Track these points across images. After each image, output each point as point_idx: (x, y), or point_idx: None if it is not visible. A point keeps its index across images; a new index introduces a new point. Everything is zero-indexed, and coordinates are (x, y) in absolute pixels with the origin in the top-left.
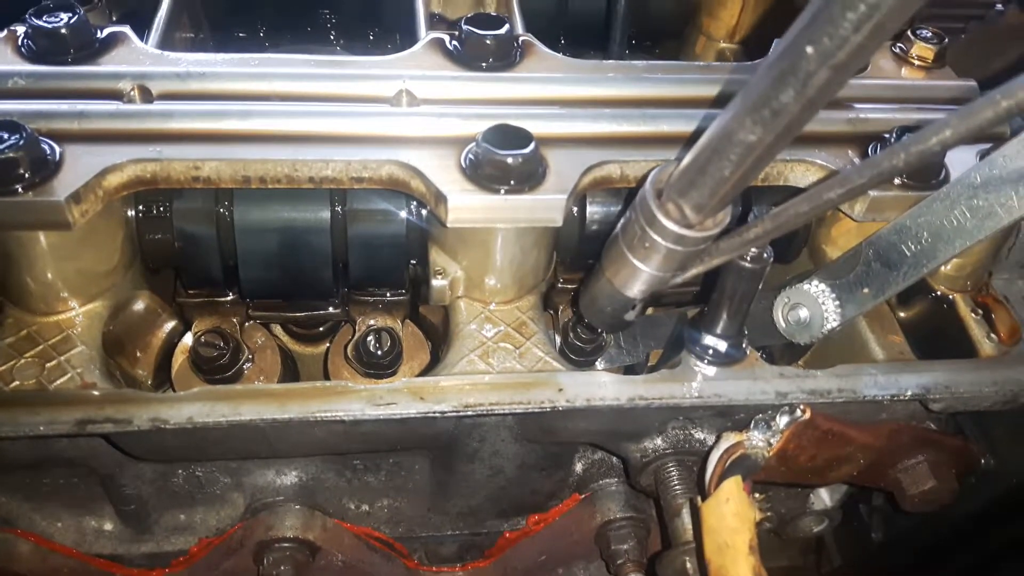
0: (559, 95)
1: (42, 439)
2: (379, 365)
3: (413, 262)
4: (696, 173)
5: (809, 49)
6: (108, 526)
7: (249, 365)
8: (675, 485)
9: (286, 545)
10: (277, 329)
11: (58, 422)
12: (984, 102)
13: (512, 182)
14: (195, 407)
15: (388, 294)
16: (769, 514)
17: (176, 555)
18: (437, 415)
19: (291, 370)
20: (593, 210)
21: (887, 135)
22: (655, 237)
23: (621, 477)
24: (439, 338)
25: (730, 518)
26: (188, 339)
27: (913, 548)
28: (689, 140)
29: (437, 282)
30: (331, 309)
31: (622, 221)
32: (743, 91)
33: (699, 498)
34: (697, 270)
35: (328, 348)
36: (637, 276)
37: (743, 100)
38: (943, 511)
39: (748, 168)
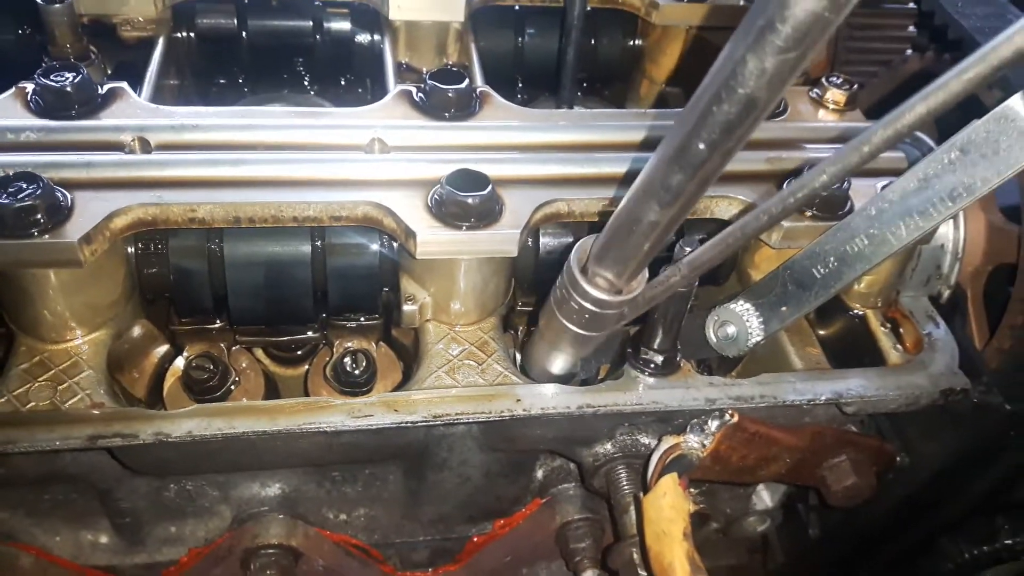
0: (513, 141)
1: (50, 456)
2: (355, 383)
3: (386, 289)
4: (612, 248)
5: (698, 142)
6: (104, 539)
7: (235, 387)
8: (624, 485)
9: (271, 552)
10: (260, 353)
11: (72, 437)
12: (858, 140)
13: (472, 219)
14: (194, 422)
15: (363, 319)
16: (702, 505)
17: (167, 565)
18: (409, 425)
19: (273, 390)
20: (546, 240)
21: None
22: (583, 303)
23: (577, 481)
24: (410, 357)
25: (667, 510)
26: (179, 362)
27: (845, 541)
28: (612, 182)
29: (408, 307)
30: (311, 333)
31: (554, 288)
32: (644, 174)
33: (642, 493)
34: (626, 320)
35: (308, 370)
36: (571, 337)
37: (644, 184)
38: (867, 506)
39: (656, 240)
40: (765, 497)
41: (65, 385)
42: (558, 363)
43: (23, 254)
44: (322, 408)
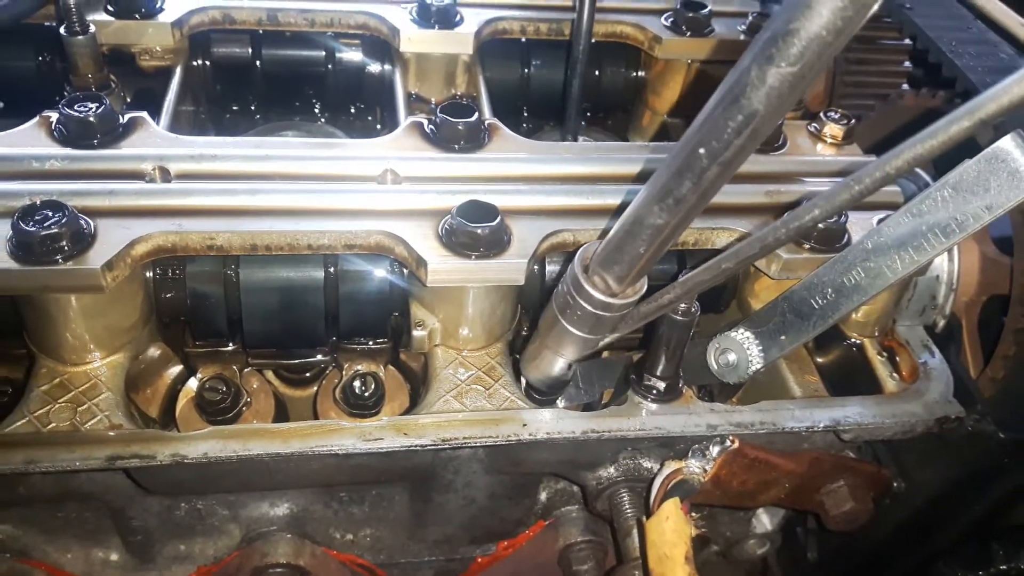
0: (521, 173)
1: (67, 475)
2: (364, 406)
3: (395, 314)
4: (615, 251)
5: (701, 150)
6: (114, 556)
7: (246, 408)
8: (626, 508)
9: (279, 570)
10: (270, 374)
11: (92, 458)
12: (852, 179)
13: (481, 249)
14: (209, 444)
15: (372, 342)
16: (703, 530)
17: None
18: (418, 448)
19: (283, 412)
20: (551, 269)
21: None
22: (583, 304)
23: (580, 504)
24: (418, 381)
25: (669, 533)
26: (192, 383)
27: (843, 566)
28: (616, 212)
29: (417, 332)
30: (321, 356)
31: (555, 293)
32: (651, 181)
33: (644, 517)
34: (623, 331)
35: (317, 391)
36: (570, 340)
37: (650, 189)
38: (865, 531)
39: (658, 246)
40: (765, 521)
41: (84, 407)
42: (554, 365)
43: (48, 280)
44: (333, 431)
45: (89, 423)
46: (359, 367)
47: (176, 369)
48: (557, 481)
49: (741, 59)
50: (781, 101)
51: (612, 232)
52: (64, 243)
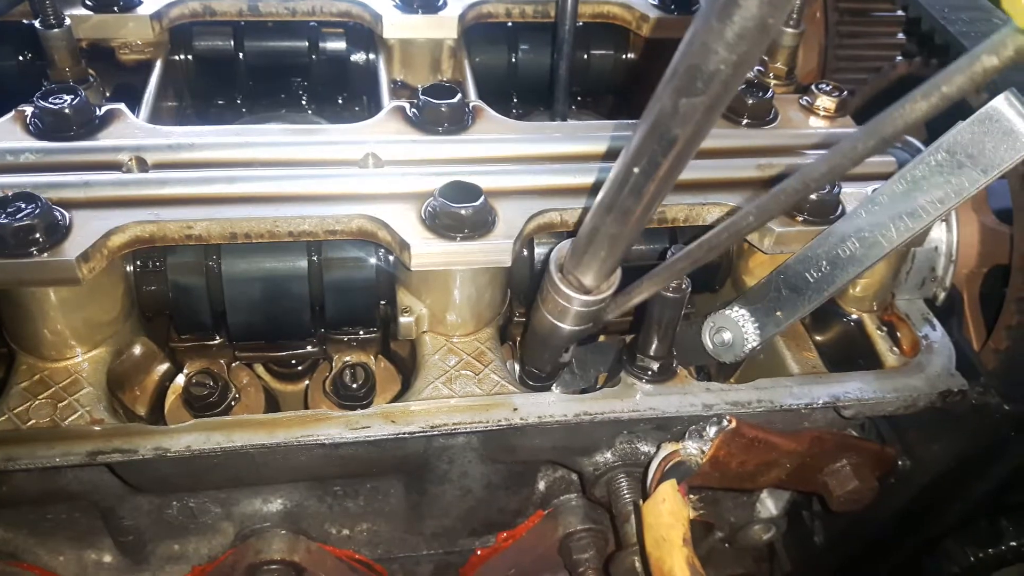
0: (506, 154)
1: (51, 473)
2: (355, 397)
3: (383, 303)
4: (582, 253)
5: (635, 169)
6: (107, 558)
7: (235, 403)
8: (624, 494)
9: (274, 567)
10: (260, 369)
11: (72, 454)
12: (842, 147)
13: (466, 230)
14: (192, 437)
15: (361, 332)
16: (702, 511)
17: None
18: (407, 436)
19: (273, 407)
20: (541, 251)
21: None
22: (562, 302)
23: (579, 492)
24: (409, 370)
25: (666, 516)
26: (180, 380)
27: (850, 547)
28: (590, 193)
29: (404, 319)
30: (310, 348)
31: (539, 289)
32: (601, 192)
33: (642, 501)
34: (610, 316)
35: (307, 385)
36: (558, 331)
37: (600, 200)
38: (870, 511)
39: (620, 248)
40: (769, 505)
41: (65, 403)
42: (547, 352)
43: (22, 273)
44: (319, 420)
45: (70, 419)
46: (349, 358)
47: (163, 367)
48: (555, 469)
49: (659, 88)
50: (697, 127)
51: (577, 237)
52: (38, 235)
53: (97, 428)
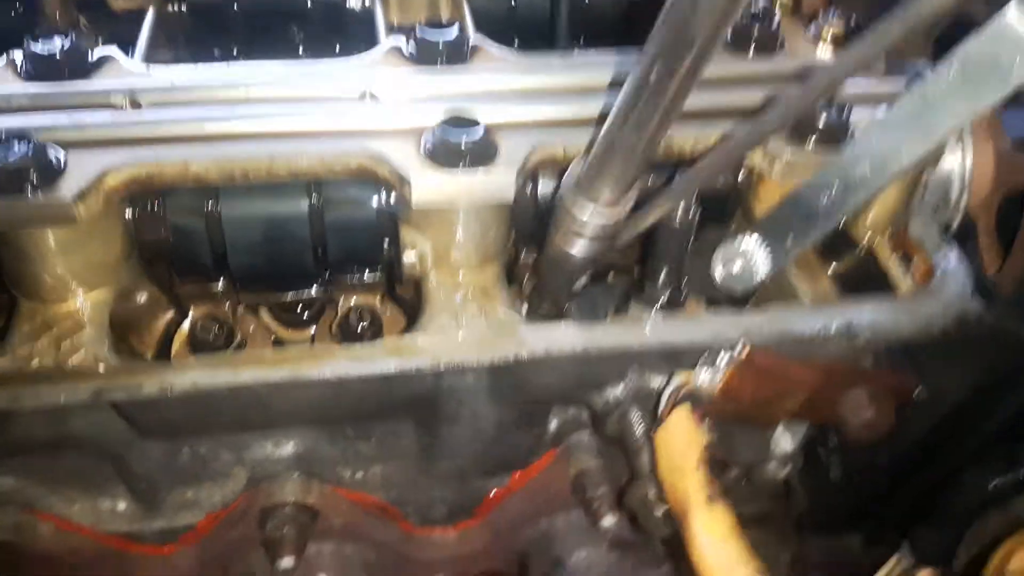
0: (506, 87)
1: (59, 418)
2: (361, 340)
3: (387, 242)
4: (596, 172)
5: (652, 77)
6: (121, 506)
7: (242, 350)
8: (636, 428)
9: (287, 510)
10: (266, 317)
11: (77, 392)
12: (839, 57)
13: (467, 163)
14: (198, 373)
15: (366, 274)
16: (716, 436)
17: (185, 530)
18: (412, 371)
19: None
20: (545, 189)
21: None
22: (576, 224)
23: (591, 429)
24: (415, 311)
25: (679, 442)
26: (185, 326)
27: (868, 481)
28: (596, 123)
29: (408, 257)
30: (314, 291)
31: (552, 214)
32: (616, 104)
33: (653, 431)
34: (622, 241)
35: (314, 332)
36: (571, 256)
37: (616, 112)
38: (888, 443)
39: (635, 164)
40: (784, 442)
41: (68, 343)
42: (558, 288)
43: (17, 213)
44: (325, 356)
45: (74, 358)
46: (354, 301)
47: (168, 313)
48: (566, 408)
49: None
50: (716, 23)
51: (591, 154)
52: (31, 174)
53: (100, 367)
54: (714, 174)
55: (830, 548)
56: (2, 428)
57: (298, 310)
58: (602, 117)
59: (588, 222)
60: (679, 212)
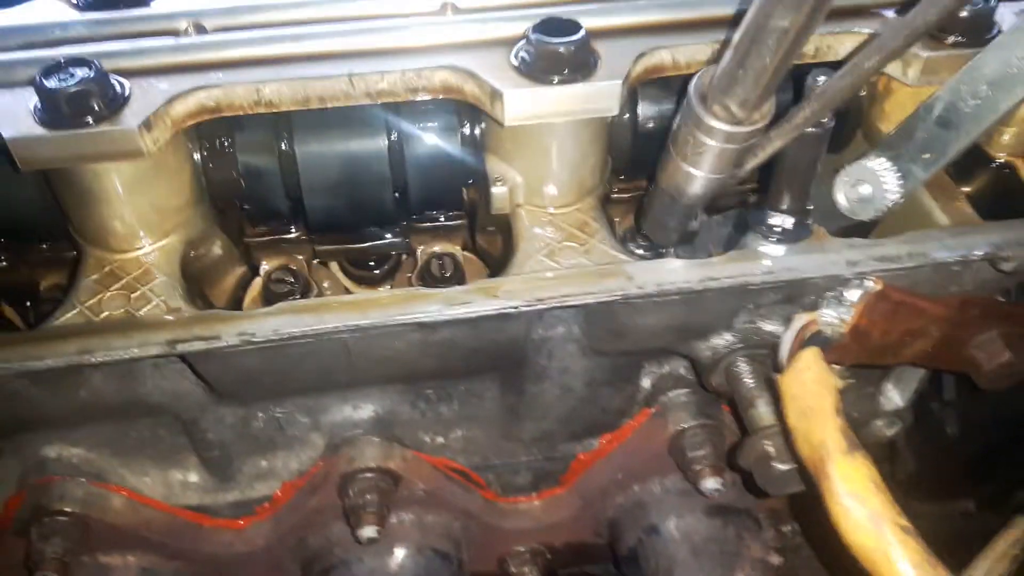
0: None
1: (130, 380)
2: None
3: (470, 183)
4: (736, 69)
5: None
6: (193, 477)
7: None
8: (747, 379)
9: (369, 475)
10: (339, 275)
11: (150, 343)
12: None
13: (565, 71)
14: (280, 319)
15: (446, 216)
16: (852, 381)
17: (261, 501)
18: (512, 310)
19: None
20: (646, 109)
21: None
22: (706, 140)
23: (689, 387)
24: (498, 265)
25: (811, 385)
26: (257, 282)
27: (989, 437)
28: (731, 23)
29: (497, 189)
30: (392, 239)
31: (671, 132)
32: None
33: (776, 374)
34: (752, 164)
35: (390, 288)
36: (694, 182)
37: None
38: (1015, 395)
39: (785, 53)
40: (895, 397)
41: (138, 293)
42: (673, 223)
43: (82, 146)
44: (416, 298)
45: (145, 308)
46: (435, 249)
47: (239, 269)
48: (660, 364)
49: None
50: None
51: (730, 50)
52: (95, 102)
53: (173, 317)
54: (859, 84)
55: (939, 514)
56: (71, 388)
57: (371, 265)
58: (712, 20)
59: (720, 134)
60: (813, 125)
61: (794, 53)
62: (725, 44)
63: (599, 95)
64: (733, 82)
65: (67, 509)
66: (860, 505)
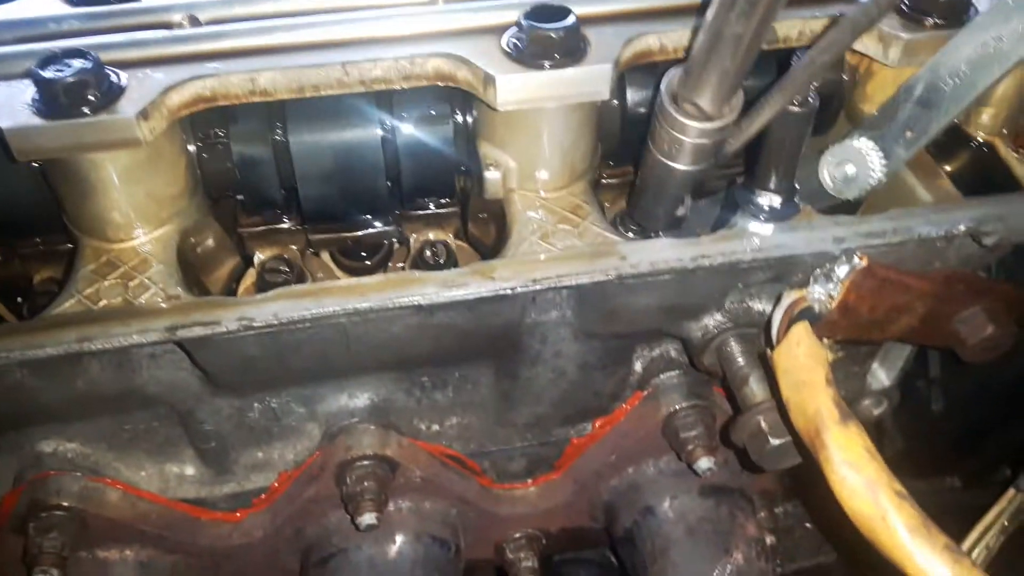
0: None
1: (127, 372)
2: None
3: (462, 169)
4: (700, 71)
5: None
6: (189, 470)
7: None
8: (738, 357)
9: (367, 463)
10: (331, 264)
11: (150, 330)
12: None
13: (556, 56)
14: (279, 304)
15: (439, 206)
16: (841, 354)
17: (258, 493)
18: (508, 291)
19: None
20: (633, 95)
21: None
22: (680, 136)
23: (680, 369)
24: (490, 253)
25: (803, 358)
26: (250, 274)
27: (975, 411)
28: (697, 11)
29: (490, 174)
30: (386, 227)
31: (649, 129)
32: None
33: (768, 350)
34: (729, 151)
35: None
36: (674, 175)
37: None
38: (1003, 364)
39: (744, 55)
40: (881, 376)
41: (136, 281)
42: (660, 211)
43: (79, 135)
44: (413, 281)
45: (143, 296)
46: (428, 236)
47: (233, 259)
48: (651, 348)
49: None
50: None
51: (692, 52)
52: (91, 92)
53: (172, 304)
54: (829, 62)
55: (925, 490)
56: (69, 378)
57: (363, 255)
58: (700, 8)
59: (692, 131)
60: (796, 105)
61: (753, 54)
62: (691, 43)
63: (590, 79)
64: (699, 82)
65: (64, 504)
66: (856, 473)
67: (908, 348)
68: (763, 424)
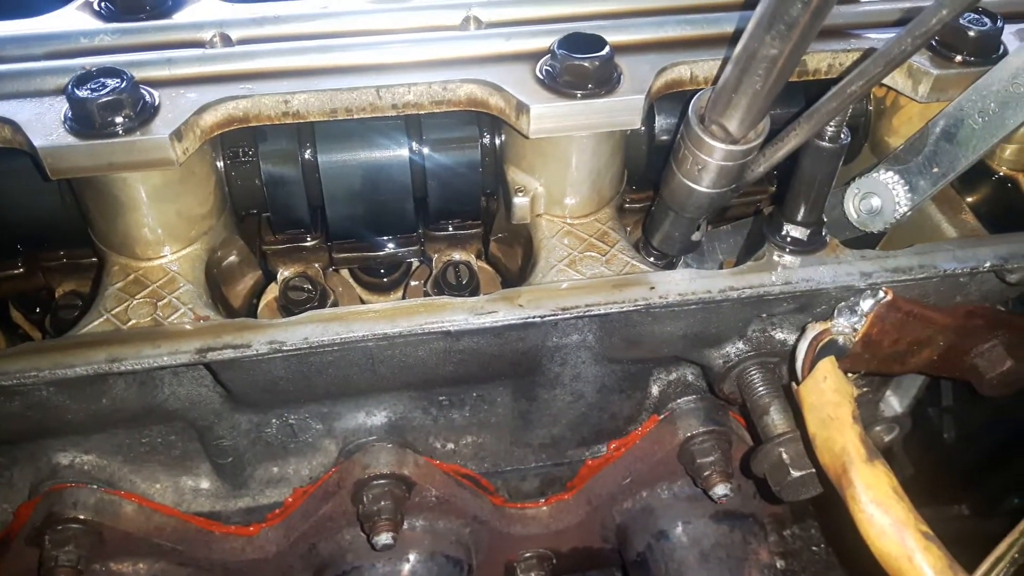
0: (624, 7)
1: (151, 386)
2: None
3: (487, 192)
4: (731, 93)
5: None
6: (205, 484)
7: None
8: (759, 387)
9: (384, 482)
10: (351, 281)
11: (180, 352)
12: None
13: (590, 86)
14: (309, 328)
15: (462, 224)
16: (866, 390)
17: (272, 508)
18: (537, 320)
19: None
20: (661, 122)
21: None
22: (704, 158)
23: (698, 394)
24: (510, 275)
25: (830, 394)
26: (271, 290)
27: (988, 442)
28: (730, 41)
29: (519, 199)
30: (409, 247)
31: (673, 150)
32: (758, 10)
33: (794, 384)
34: (750, 178)
35: (403, 295)
36: (695, 196)
37: (759, 19)
38: (1013, 401)
39: (776, 78)
40: (894, 403)
41: (165, 301)
42: (677, 233)
43: (113, 155)
44: (443, 307)
45: (172, 317)
46: (451, 256)
47: (256, 274)
48: (669, 372)
49: None
50: None
51: (724, 73)
52: (125, 111)
53: (202, 325)
54: (859, 94)
55: (933, 518)
56: (95, 396)
57: (382, 273)
58: (736, 34)
59: (717, 152)
60: (830, 130)
61: (784, 78)
62: (722, 67)
63: (622, 109)
64: (728, 104)
65: (80, 516)
66: (883, 512)
67: (922, 377)
68: (784, 456)
